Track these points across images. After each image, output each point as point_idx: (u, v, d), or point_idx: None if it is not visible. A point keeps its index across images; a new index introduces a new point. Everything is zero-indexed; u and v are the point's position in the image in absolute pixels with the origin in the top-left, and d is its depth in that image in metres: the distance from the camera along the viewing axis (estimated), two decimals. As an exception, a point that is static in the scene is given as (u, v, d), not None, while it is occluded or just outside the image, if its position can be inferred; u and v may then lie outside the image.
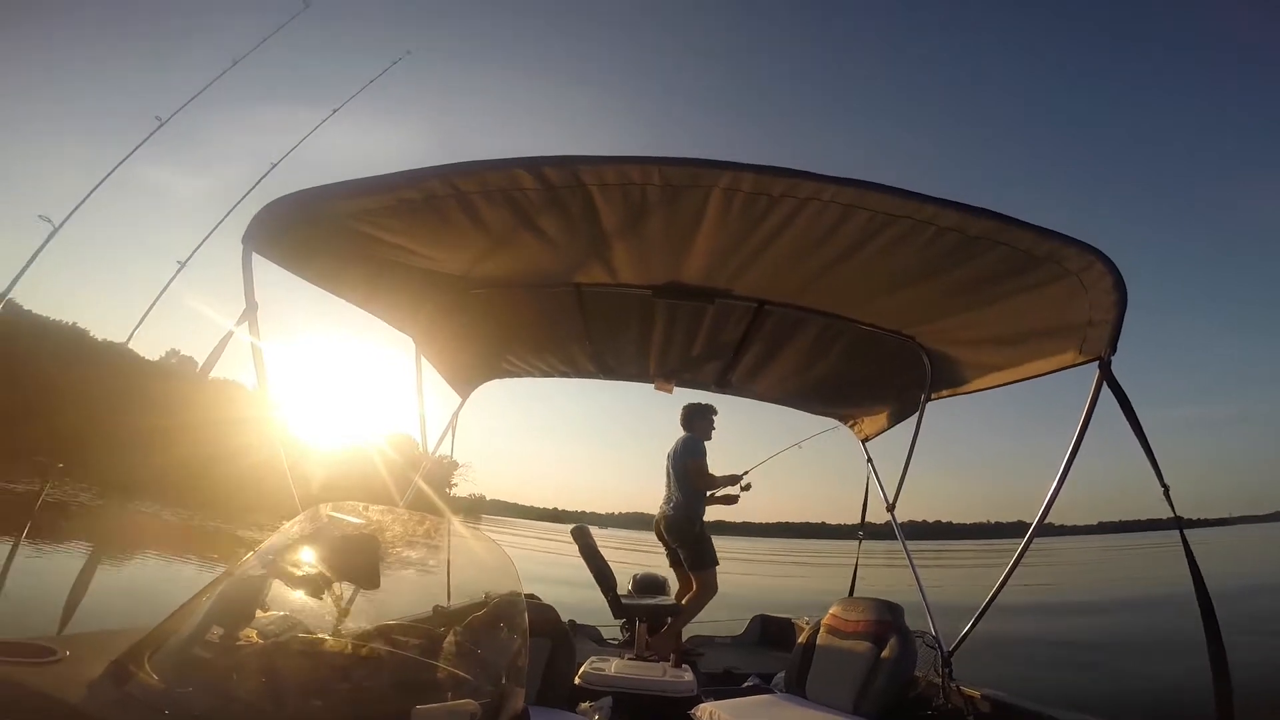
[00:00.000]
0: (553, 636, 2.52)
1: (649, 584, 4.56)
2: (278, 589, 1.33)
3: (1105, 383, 2.02)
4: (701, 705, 2.49)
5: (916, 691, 2.66)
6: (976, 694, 2.52)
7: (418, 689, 1.16)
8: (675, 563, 4.07)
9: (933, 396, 2.94)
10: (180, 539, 11.89)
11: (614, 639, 4.44)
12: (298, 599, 1.32)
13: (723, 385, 3.53)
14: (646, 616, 3.82)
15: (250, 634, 1.20)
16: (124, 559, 8.24)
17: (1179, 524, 1.94)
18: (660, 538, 4.06)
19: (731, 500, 4.17)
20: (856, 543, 4.11)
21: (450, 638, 1.29)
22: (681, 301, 2.59)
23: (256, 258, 1.98)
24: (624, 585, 4.55)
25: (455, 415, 3.68)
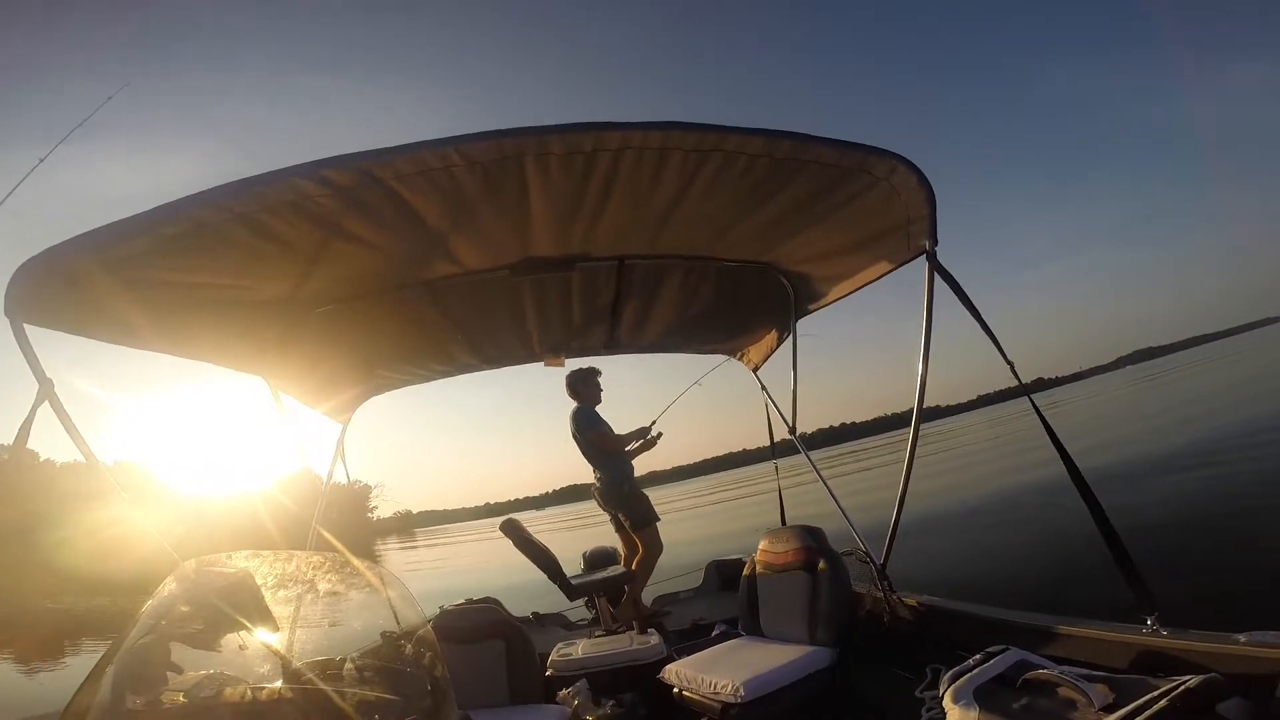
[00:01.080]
0: (505, 636, 2.47)
1: (601, 558, 4.52)
2: (174, 650, 1.21)
3: (936, 272, 2.19)
4: (668, 665, 2.49)
5: (865, 609, 2.74)
6: (914, 602, 2.60)
7: None
8: (619, 528, 4.09)
9: (801, 315, 3.08)
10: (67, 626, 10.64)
11: (582, 620, 4.38)
12: (200, 656, 1.21)
13: (612, 346, 3.53)
14: (602, 590, 3.77)
15: (174, 696, 1.11)
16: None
17: (1026, 391, 2.21)
18: (601, 506, 4.09)
19: (648, 446, 4.18)
20: (773, 467, 4.21)
21: (367, 669, 1.22)
22: (542, 275, 2.54)
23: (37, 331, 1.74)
24: (575, 564, 4.50)
25: (340, 442, 3.38)
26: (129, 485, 2.25)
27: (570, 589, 3.56)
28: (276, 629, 1.20)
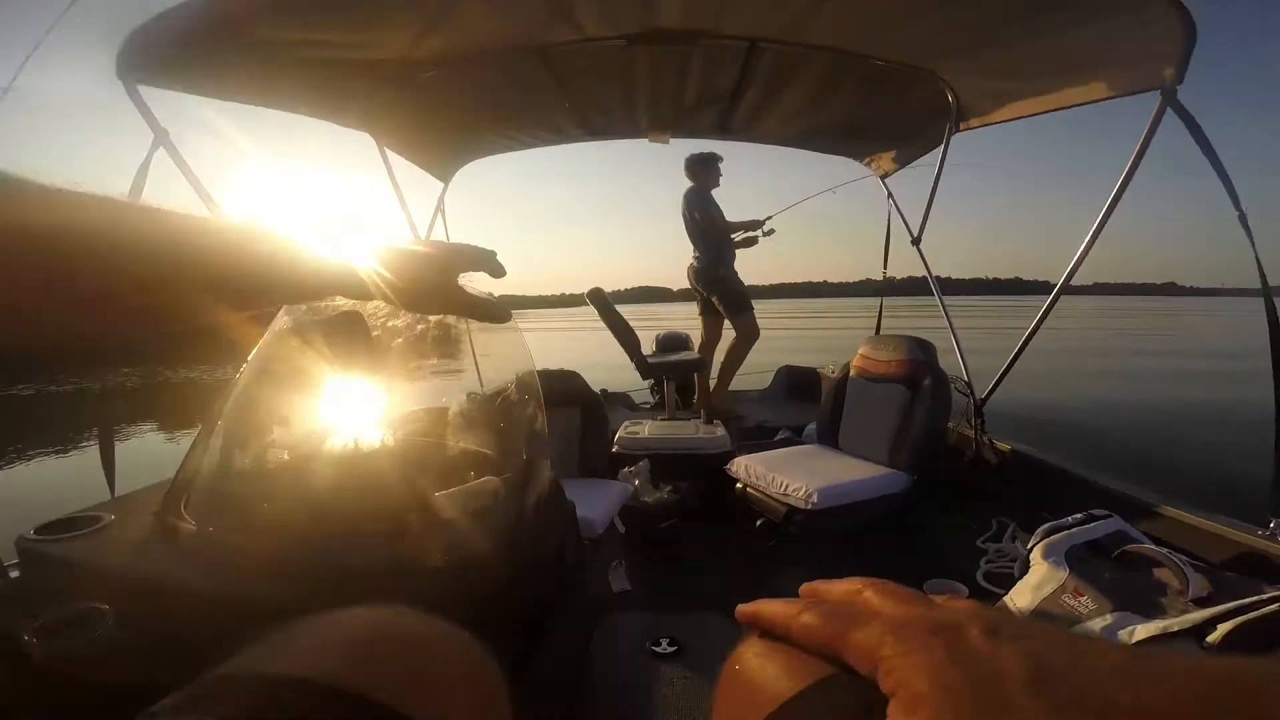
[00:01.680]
0: (583, 404, 2.50)
1: (673, 342, 4.50)
2: (283, 397, 1.24)
3: (1175, 113, 1.85)
4: (736, 459, 2.49)
5: (949, 443, 2.63)
6: (1007, 448, 2.47)
7: (438, 473, 1.12)
8: (705, 310, 4.14)
9: (960, 127, 2.68)
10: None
11: (645, 403, 4.52)
12: (305, 405, 1.23)
13: (724, 131, 3.27)
14: (674, 374, 3.81)
15: (279, 452, 1.17)
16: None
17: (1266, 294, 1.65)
18: (692, 286, 4.15)
19: (749, 243, 4.11)
20: (862, 299, 4.03)
21: (466, 421, 1.23)
22: (661, 47, 2.34)
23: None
24: (647, 346, 4.48)
25: (440, 200, 3.56)
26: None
27: (645, 366, 3.59)
28: (382, 375, 1.21)
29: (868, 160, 3.57)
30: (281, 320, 1.23)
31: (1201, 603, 1.23)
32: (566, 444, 2.45)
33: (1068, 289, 2.38)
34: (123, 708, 0.35)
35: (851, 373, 2.60)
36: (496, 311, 0.59)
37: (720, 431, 3.05)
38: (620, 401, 4.60)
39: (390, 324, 0.99)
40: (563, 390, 2.48)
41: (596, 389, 4.64)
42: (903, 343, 2.44)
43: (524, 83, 2.61)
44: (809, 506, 2.02)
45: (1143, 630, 1.16)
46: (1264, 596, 1.15)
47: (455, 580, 0.91)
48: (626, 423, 3.24)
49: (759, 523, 2.33)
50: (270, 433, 1.21)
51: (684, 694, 1.45)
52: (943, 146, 2.80)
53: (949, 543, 2.18)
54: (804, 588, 0.33)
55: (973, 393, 2.63)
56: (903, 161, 3.40)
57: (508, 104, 2.86)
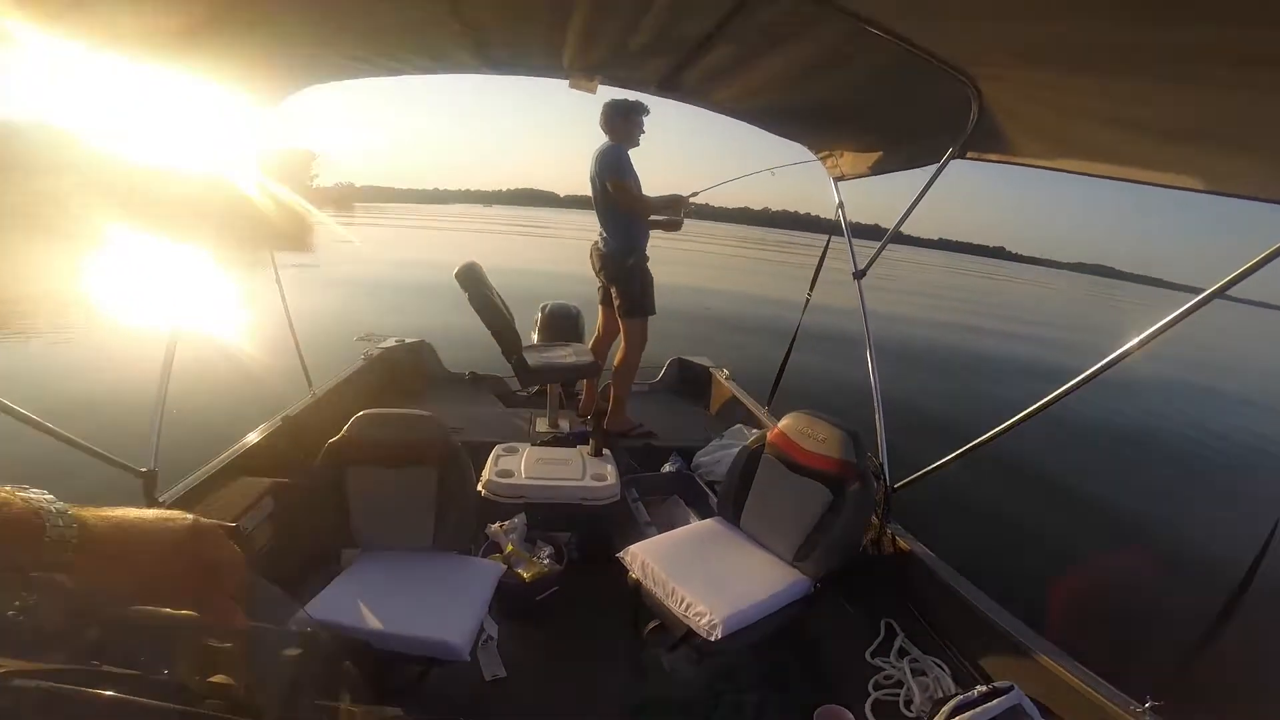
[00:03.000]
0: (440, 461, 1.94)
1: (561, 322, 3.99)
2: None
3: None
4: (632, 550, 2.07)
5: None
6: (907, 548, 2.25)
7: None
8: (604, 299, 3.52)
9: (966, 155, 2.20)
10: None
11: (523, 392, 3.98)
12: None
13: (668, 87, 2.55)
14: (560, 380, 3.39)
15: None
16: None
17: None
18: (594, 271, 3.45)
19: (673, 227, 3.49)
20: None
21: None
22: None
23: None
24: (529, 318, 4.01)
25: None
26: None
27: (525, 368, 3.06)
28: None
29: (825, 154, 3.00)
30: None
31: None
32: (418, 507, 1.94)
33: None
34: None
35: (768, 449, 2.22)
36: None
37: (609, 473, 2.60)
38: (494, 388, 4.02)
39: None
40: (417, 441, 1.94)
41: (462, 370, 4.14)
42: (834, 433, 2.06)
43: None
44: (711, 636, 1.74)
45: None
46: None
47: None
48: (498, 451, 2.69)
49: (651, 625, 2.01)
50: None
51: None
52: (936, 168, 2.32)
53: (841, 651, 2.06)
54: None
55: (885, 476, 2.36)
56: (877, 169, 2.80)
57: (371, 17, 1.96)
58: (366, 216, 47.70)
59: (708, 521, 2.30)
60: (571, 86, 2.54)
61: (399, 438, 1.93)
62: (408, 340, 4.11)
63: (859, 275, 2.78)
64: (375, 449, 1.92)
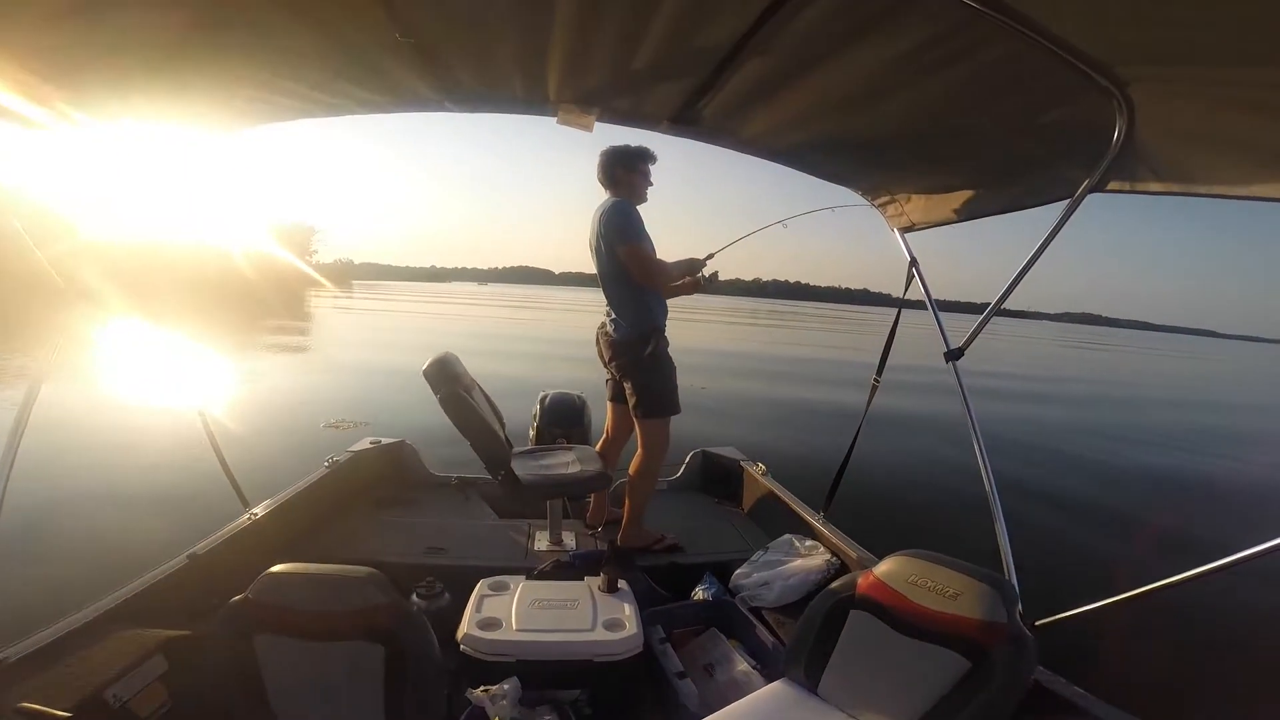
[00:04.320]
0: (386, 637, 1.39)
1: (562, 413, 3.40)
2: None
3: None
4: None
5: None
6: (1068, 699, 1.53)
7: None
8: (615, 395, 2.93)
9: (1106, 187, 1.67)
10: None
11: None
12: None
13: (683, 121, 2.01)
14: (560, 496, 2.83)
15: None
16: None
17: None
18: (602, 359, 2.87)
19: (696, 287, 2.88)
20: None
21: None
22: None
23: None
24: (523, 412, 3.47)
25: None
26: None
27: (515, 488, 2.46)
28: None
29: (884, 200, 2.41)
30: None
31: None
32: (360, 696, 1.40)
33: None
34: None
35: (860, 601, 1.59)
36: None
37: (628, 617, 1.98)
38: (486, 493, 3.35)
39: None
40: (354, 610, 1.40)
41: (448, 475, 3.45)
42: (971, 586, 1.45)
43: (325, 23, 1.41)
44: None
45: None
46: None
47: None
48: (483, 587, 2.09)
49: None
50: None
51: None
52: (1066, 208, 1.75)
53: None
54: None
55: (1013, 589, 1.60)
56: (964, 214, 2.21)
57: (313, 51, 1.56)
58: (365, 294, 48.23)
59: (775, 686, 1.70)
60: (561, 122, 2.02)
61: (324, 605, 1.39)
62: (384, 441, 3.53)
63: (954, 355, 2.13)
64: (292, 617, 1.38)
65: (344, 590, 1.40)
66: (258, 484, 2.52)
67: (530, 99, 1.91)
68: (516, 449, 2.78)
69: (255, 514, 2.40)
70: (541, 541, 2.80)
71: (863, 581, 1.61)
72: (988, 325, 2.07)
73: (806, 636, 1.66)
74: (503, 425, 2.73)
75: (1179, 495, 6.99)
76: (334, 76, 1.72)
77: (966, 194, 2.15)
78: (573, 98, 1.90)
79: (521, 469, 2.57)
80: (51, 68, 1.38)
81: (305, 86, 1.77)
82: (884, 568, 1.59)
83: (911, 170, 2.19)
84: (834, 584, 1.70)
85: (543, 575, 2.38)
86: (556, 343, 17.24)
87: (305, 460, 3.10)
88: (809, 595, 2.26)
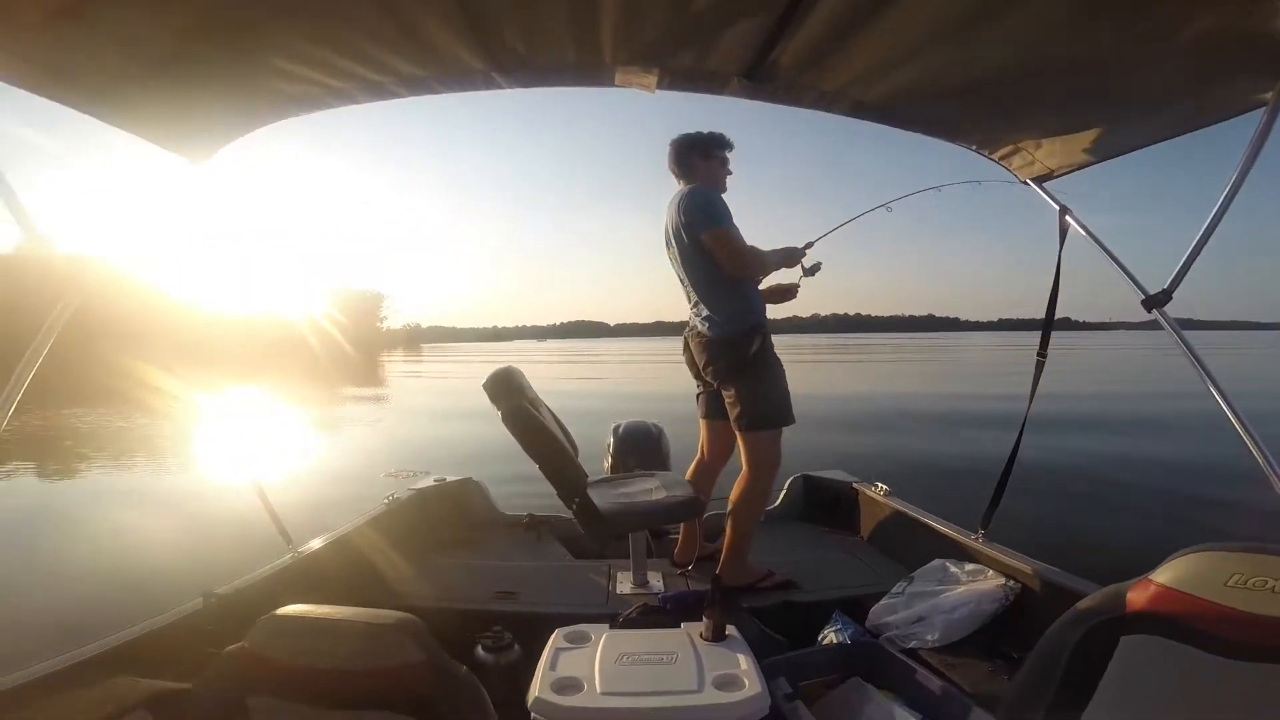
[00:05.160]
0: (415, 706, 1.02)
1: (639, 443, 3.07)
2: None
3: None
4: None
5: None
6: None
7: None
8: (710, 410, 2.51)
9: None
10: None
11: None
12: None
13: (756, 78, 1.71)
14: (645, 526, 2.41)
15: None
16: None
17: None
18: (694, 367, 2.49)
19: (788, 295, 2.59)
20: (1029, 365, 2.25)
21: None
22: None
23: None
24: (596, 445, 3.11)
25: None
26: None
27: (593, 517, 2.12)
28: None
29: (1009, 150, 2.02)
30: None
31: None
32: None
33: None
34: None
35: (1138, 621, 1.09)
36: None
37: (745, 670, 1.52)
38: (556, 532, 2.99)
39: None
40: (357, 672, 1.02)
41: (519, 513, 3.09)
42: None
43: None
44: None
45: None
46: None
47: None
48: (557, 638, 1.66)
49: None
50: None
51: None
52: (1267, 117, 1.39)
53: None
54: None
55: None
56: (1112, 148, 1.86)
57: (323, 21, 1.40)
58: (434, 356, 49.98)
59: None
60: (620, 84, 1.75)
61: (340, 660, 1.03)
62: (449, 479, 3.24)
63: (1157, 301, 1.63)
64: (298, 674, 1.03)
65: (367, 641, 1.04)
66: (305, 530, 2.27)
67: (584, 64, 1.66)
68: (592, 478, 2.43)
69: (297, 551, 2.11)
70: (625, 584, 2.41)
71: (1137, 594, 1.11)
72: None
73: (1046, 677, 1.16)
74: (575, 450, 2.39)
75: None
76: (377, 46, 1.51)
77: (1112, 128, 1.79)
78: (630, 58, 1.63)
79: (600, 499, 2.22)
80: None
81: (348, 59, 1.56)
82: (1171, 572, 1.09)
83: (1041, 112, 1.82)
84: (1080, 605, 1.20)
85: (629, 623, 2.00)
86: (617, 387, 16.96)
87: (362, 506, 2.83)
88: (984, 628, 1.81)
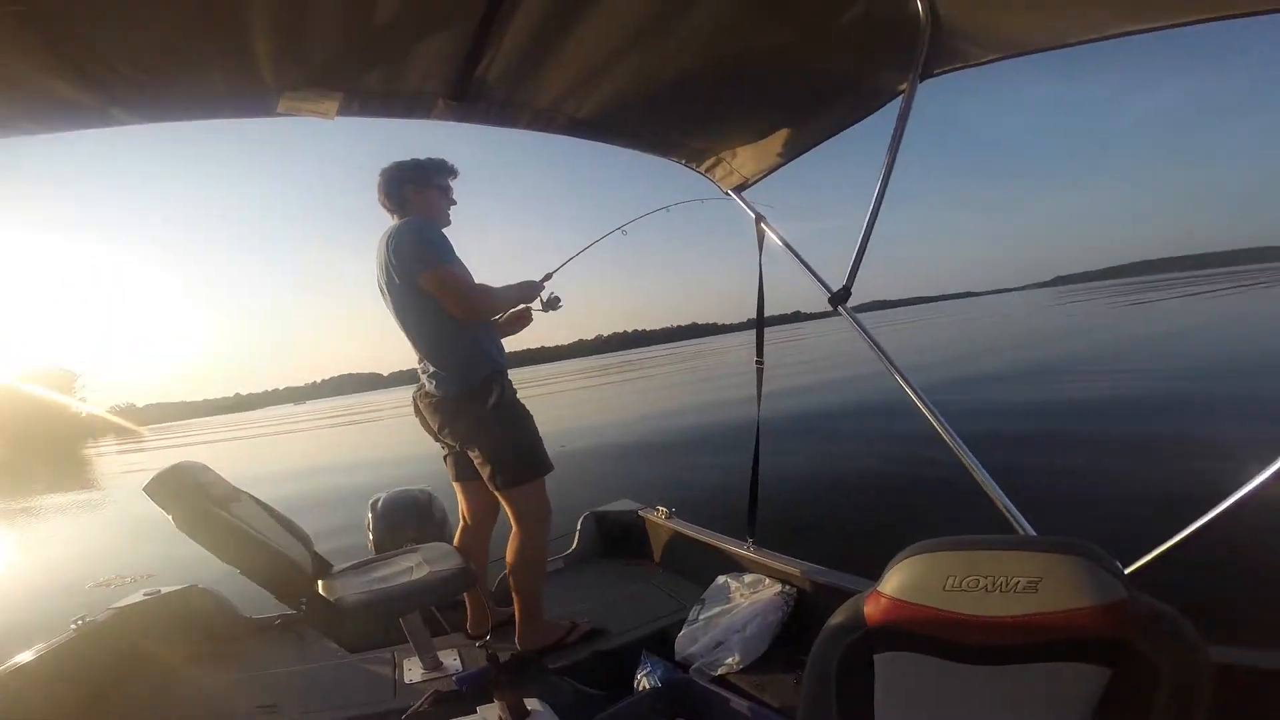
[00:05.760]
0: None
1: (404, 512, 2.79)
2: None
3: None
4: None
5: None
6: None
7: None
8: (459, 472, 2.26)
9: (934, 73, 1.58)
10: None
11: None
12: None
13: (463, 98, 1.61)
14: (406, 612, 2.11)
15: None
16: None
17: None
18: (427, 430, 2.24)
19: (523, 321, 2.41)
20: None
21: None
22: None
23: None
24: (348, 525, 2.98)
25: None
26: None
27: (334, 618, 1.90)
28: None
29: (711, 162, 2.15)
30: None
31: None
32: None
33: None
34: None
35: (873, 625, 1.02)
36: None
37: None
38: (326, 628, 2.36)
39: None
40: None
41: (269, 615, 2.57)
42: (1044, 558, 0.89)
43: None
44: None
45: None
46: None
47: None
48: None
49: None
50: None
51: None
52: (903, 99, 1.62)
53: None
54: None
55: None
56: (796, 148, 2.02)
57: None
58: (160, 439, 41.07)
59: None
60: (285, 111, 1.44)
61: None
62: (164, 590, 2.57)
63: (840, 298, 1.78)
64: None
65: None
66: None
67: (237, 90, 1.36)
68: (339, 566, 2.18)
69: None
70: (414, 671, 2.13)
71: (872, 608, 1.02)
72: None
73: (822, 706, 1.05)
74: (307, 540, 2.15)
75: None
76: None
77: (791, 129, 1.99)
78: (299, 81, 1.37)
79: (345, 589, 1.97)
80: None
81: None
82: (895, 581, 1.01)
83: (732, 119, 1.98)
84: (830, 622, 1.10)
85: (420, 717, 1.77)
86: (390, 451, 15.32)
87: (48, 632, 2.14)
88: (777, 640, 1.89)
